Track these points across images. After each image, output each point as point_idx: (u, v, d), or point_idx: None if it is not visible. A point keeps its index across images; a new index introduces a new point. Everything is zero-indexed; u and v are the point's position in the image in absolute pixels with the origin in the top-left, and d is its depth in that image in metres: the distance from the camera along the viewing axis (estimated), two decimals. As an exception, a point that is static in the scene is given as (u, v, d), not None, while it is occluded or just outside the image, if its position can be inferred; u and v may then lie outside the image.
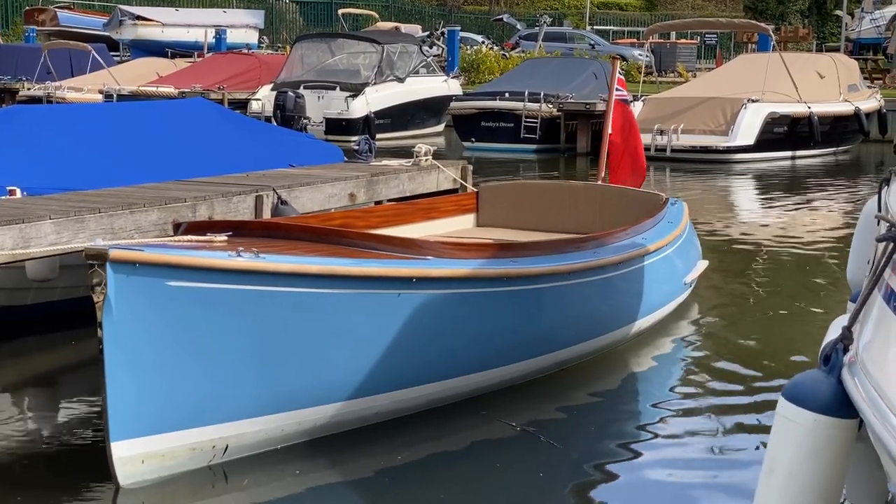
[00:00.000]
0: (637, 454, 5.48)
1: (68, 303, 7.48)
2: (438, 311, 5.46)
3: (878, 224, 4.53)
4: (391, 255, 5.48)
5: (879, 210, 4.71)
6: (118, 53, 35.53)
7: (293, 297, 4.94)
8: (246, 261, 4.78)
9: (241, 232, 5.65)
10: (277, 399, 5.09)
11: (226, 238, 5.20)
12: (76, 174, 8.21)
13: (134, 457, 4.73)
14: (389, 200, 9.26)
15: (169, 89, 23.90)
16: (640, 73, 28.54)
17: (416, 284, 5.31)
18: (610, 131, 9.11)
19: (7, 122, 8.85)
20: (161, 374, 4.74)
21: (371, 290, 5.17)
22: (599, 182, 8.93)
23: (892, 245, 3.32)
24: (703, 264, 8.48)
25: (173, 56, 31.58)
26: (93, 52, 27.43)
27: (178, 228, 5.93)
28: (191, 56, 31.21)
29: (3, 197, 7.45)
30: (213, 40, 34.89)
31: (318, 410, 5.27)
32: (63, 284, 7.35)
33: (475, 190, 9.06)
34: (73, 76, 27.38)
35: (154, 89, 23.98)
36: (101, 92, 24.05)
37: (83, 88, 24.98)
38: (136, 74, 26.99)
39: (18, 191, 7.57)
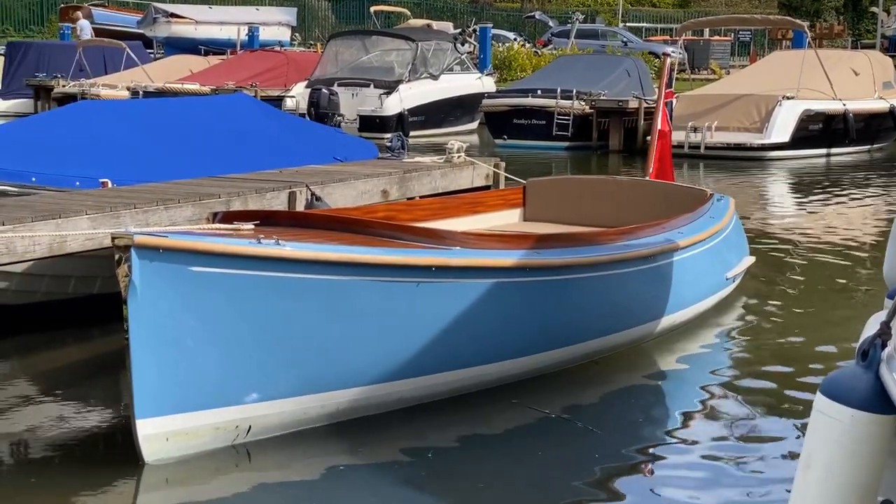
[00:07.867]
0: (674, 444, 5.48)
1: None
2: (458, 300, 5.51)
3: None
4: (414, 245, 5.55)
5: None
6: (153, 51, 35.74)
7: (312, 283, 5.05)
8: (264, 248, 4.90)
9: (270, 221, 5.80)
10: (299, 382, 5.18)
11: (252, 227, 5.35)
12: (124, 168, 8.38)
13: (158, 434, 4.86)
14: (422, 197, 9.26)
15: (195, 86, 23.98)
16: (673, 70, 28.39)
17: (436, 273, 5.38)
18: (659, 127, 9.09)
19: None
20: (184, 355, 4.87)
21: (389, 279, 5.26)
22: (648, 178, 8.92)
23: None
24: (748, 260, 8.46)
25: (206, 53, 31.70)
26: (127, 49, 27.59)
27: (214, 218, 6.10)
28: (224, 53, 31.33)
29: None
30: (246, 38, 35.04)
31: (341, 394, 5.35)
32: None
33: (523, 184, 9.05)
34: (106, 73, 27.55)
35: (179, 86, 24.09)
36: (128, 89, 24.20)
37: (117, 85, 25.12)
38: (169, 72, 27.10)
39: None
